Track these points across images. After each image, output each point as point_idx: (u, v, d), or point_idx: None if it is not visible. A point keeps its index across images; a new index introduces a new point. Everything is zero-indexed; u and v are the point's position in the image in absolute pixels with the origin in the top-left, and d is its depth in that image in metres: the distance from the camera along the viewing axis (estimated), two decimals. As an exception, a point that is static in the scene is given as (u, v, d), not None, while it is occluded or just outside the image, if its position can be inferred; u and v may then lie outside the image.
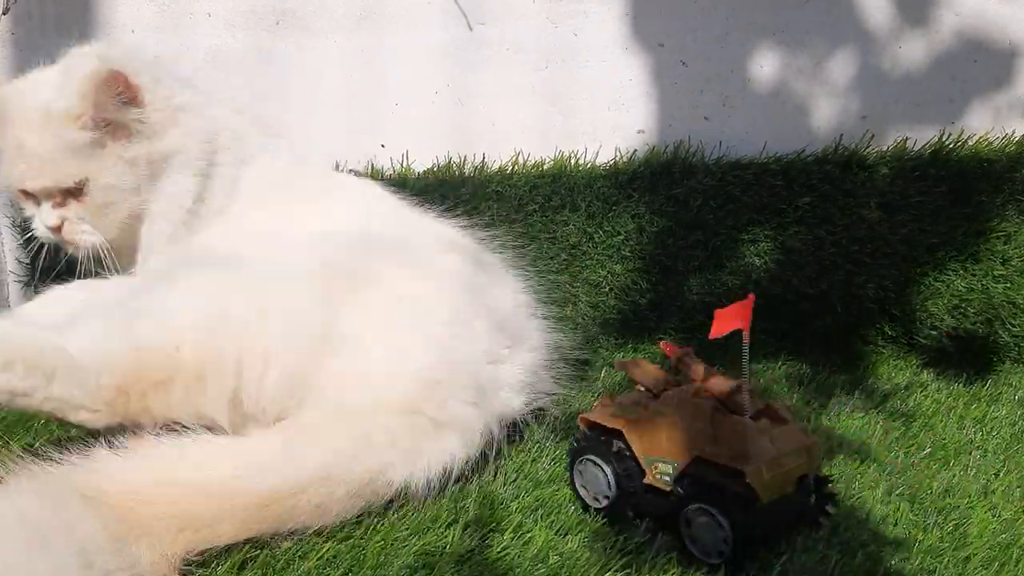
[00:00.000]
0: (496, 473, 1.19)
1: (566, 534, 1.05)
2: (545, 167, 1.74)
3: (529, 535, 1.04)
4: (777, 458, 0.93)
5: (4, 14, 1.84)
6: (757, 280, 1.73)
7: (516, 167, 1.74)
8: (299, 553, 0.97)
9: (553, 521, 1.07)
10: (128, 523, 0.83)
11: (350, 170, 1.68)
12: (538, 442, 1.31)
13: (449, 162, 1.75)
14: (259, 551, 0.95)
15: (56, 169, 1.22)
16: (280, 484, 0.95)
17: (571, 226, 1.73)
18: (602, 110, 1.76)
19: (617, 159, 1.74)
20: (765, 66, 1.75)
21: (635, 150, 1.75)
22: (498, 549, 1.01)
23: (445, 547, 1.00)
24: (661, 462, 0.98)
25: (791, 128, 1.75)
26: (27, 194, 1.27)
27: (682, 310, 1.75)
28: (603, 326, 1.74)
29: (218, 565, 0.92)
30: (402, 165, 1.77)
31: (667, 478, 0.98)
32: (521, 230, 1.73)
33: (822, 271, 1.74)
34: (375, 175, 1.78)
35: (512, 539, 1.03)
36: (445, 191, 1.73)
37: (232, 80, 1.81)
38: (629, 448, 1.02)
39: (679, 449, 0.97)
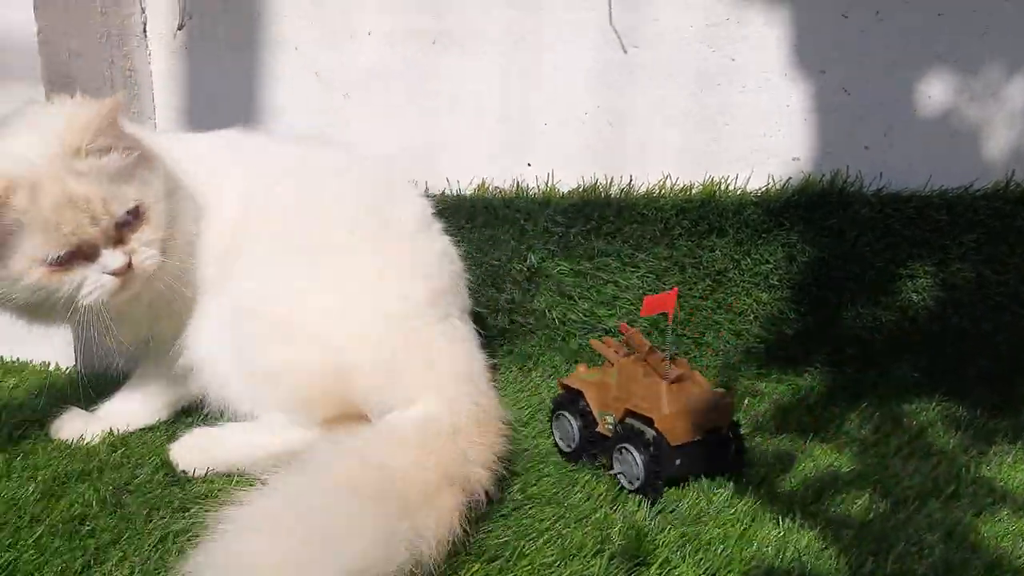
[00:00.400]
0: (640, 504, 1.18)
1: (714, 574, 1.02)
2: (693, 191, 1.71)
3: (677, 572, 1.02)
4: (685, 411, 1.21)
5: (179, 29, 1.97)
6: (914, 316, 1.65)
7: (663, 190, 1.72)
8: (448, 574, 1.00)
9: (701, 559, 1.04)
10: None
11: None
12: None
13: (595, 184, 1.75)
14: None
15: (112, 200, 1.16)
16: None
17: (717, 252, 1.69)
18: (756, 136, 1.72)
19: (770, 186, 1.70)
20: (933, 96, 1.66)
21: (789, 178, 1.70)
22: (643, 585, 0.99)
23: (593, 577, 1.00)
24: (608, 415, 1.29)
25: (958, 161, 1.66)
26: (75, 256, 1.16)
27: (831, 342, 1.69)
28: (745, 355, 1.69)
29: None
30: (547, 185, 1.79)
31: (610, 426, 1.28)
32: (665, 254, 1.71)
33: (987, 311, 1.63)
34: (520, 193, 1.80)
35: (659, 575, 1.01)
36: (590, 211, 1.73)
37: (389, 95, 1.87)
38: (588, 405, 1.32)
39: (618, 404, 1.27)
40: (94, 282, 1.17)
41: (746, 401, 1.57)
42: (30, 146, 1.14)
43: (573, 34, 1.75)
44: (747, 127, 1.71)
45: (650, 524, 1.13)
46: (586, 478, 1.27)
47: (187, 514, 1.12)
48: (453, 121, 1.85)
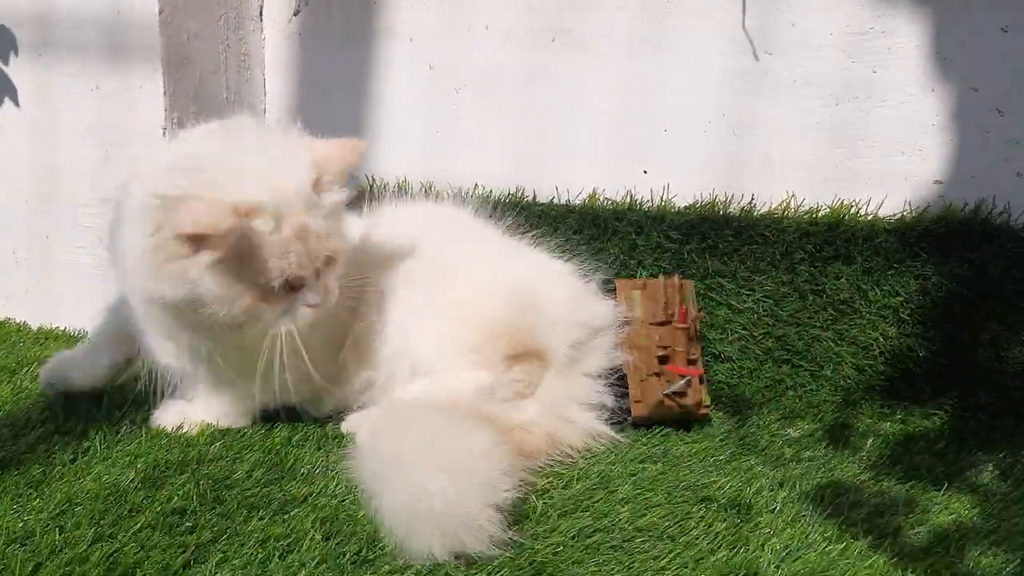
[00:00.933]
0: (763, 547, 1.09)
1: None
2: (820, 214, 1.61)
3: (809, 632, 0.93)
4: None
5: (295, 15, 1.95)
6: (1060, 364, 1.51)
7: (787, 211, 1.62)
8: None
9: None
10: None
11: None
12: (805, 515, 1.19)
13: (714, 199, 1.66)
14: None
15: (329, 237, 1.20)
16: None
17: (843, 280, 1.58)
18: (894, 155, 1.60)
19: (905, 212, 1.58)
20: (1099, 122, 1.52)
21: (928, 204, 1.58)
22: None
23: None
24: None
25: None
26: (280, 289, 1.18)
27: (963, 384, 1.56)
28: (867, 391, 1.58)
29: None
30: (662, 198, 1.70)
31: None
32: (785, 279, 1.61)
33: None
34: (632, 206, 1.72)
35: (791, 633, 0.93)
36: (706, 230, 1.64)
37: (502, 93, 1.82)
38: None
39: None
40: (294, 313, 1.20)
41: (869, 442, 1.46)
42: (282, 175, 1.16)
43: (701, 37, 1.66)
44: (885, 145, 1.59)
45: (775, 574, 1.04)
46: (700, 512, 1.18)
47: (286, 517, 1.08)
48: (567, 123, 1.78)
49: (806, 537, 1.13)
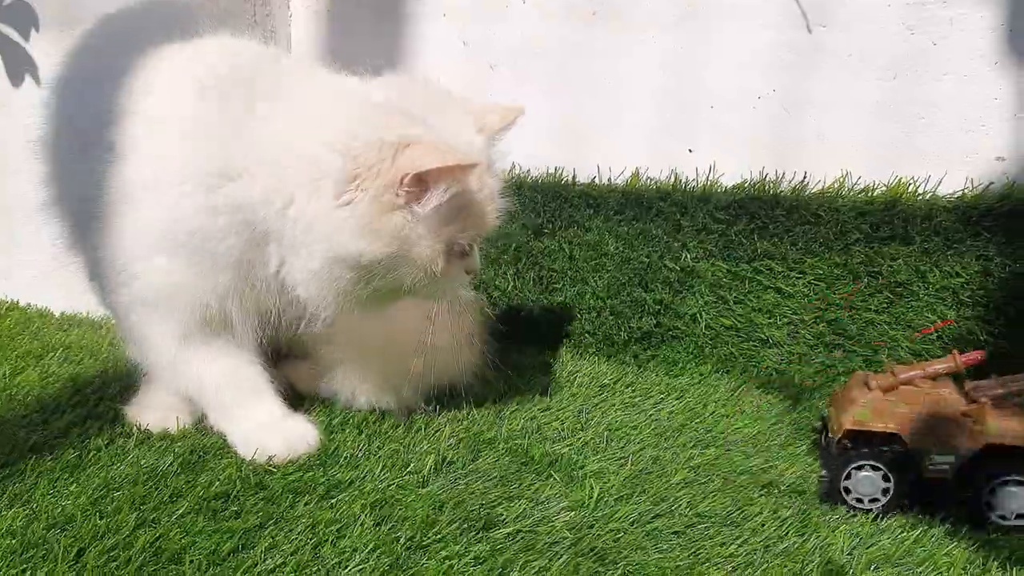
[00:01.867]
0: (834, 532, 1.04)
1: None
2: (876, 192, 1.54)
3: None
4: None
5: (324, -9, 1.90)
6: None
7: (841, 189, 1.56)
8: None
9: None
10: None
11: None
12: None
13: (763, 178, 1.60)
14: None
15: (504, 203, 1.17)
16: None
17: (900, 261, 1.52)
18: (955, 131, 1.53)
19: (966, 190, 1.52)
20: None
21: (990, 182, 1.51)
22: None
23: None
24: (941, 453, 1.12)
25: None
26: (458, 250, 1.14)
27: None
28: (926, 378, 1.52)
29: None
30: (707, 178, 1.64)
31: (939, 467, 1.13)
32: (838, 260, 1.55)
33: None
34: (677, 185, 1.66)
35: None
36: (755, 210, 1.59)
37: (540, 70, 1.76)
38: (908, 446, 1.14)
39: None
40: (465, 279, 1.17)
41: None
42: (468, 126, 1.14)
43: (750, 10, 1.60)
44: (945, 121, 1.53)
45: (851, 560, 0.98)
46: (763, 498, 1.13)
47: (333, 502, 1.03)
48: (608, 100, 1.72)
49: (877, 524, 1.07)
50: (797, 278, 1.57)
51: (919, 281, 1.52)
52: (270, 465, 1.12)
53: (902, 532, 1.06)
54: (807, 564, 0.96)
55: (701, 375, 1.60)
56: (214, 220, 1.08)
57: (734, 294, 1.61)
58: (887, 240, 1.52)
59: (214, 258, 1.10)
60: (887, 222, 1.52)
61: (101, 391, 1.34)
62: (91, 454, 1.11)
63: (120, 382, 1.37)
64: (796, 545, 1.01)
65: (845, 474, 1.14)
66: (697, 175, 1.65)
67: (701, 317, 1.63)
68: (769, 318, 1.59)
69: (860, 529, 1.06)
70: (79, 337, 1.64)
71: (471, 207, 1.10)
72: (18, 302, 1.88)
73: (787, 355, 1.58)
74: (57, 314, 1.84)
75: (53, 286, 1.84)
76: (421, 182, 1.03)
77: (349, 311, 1.13)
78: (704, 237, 1.61)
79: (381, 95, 1.13)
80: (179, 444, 1.16)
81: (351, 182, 1.03)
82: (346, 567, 0.90)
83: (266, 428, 1.19)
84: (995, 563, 0.99)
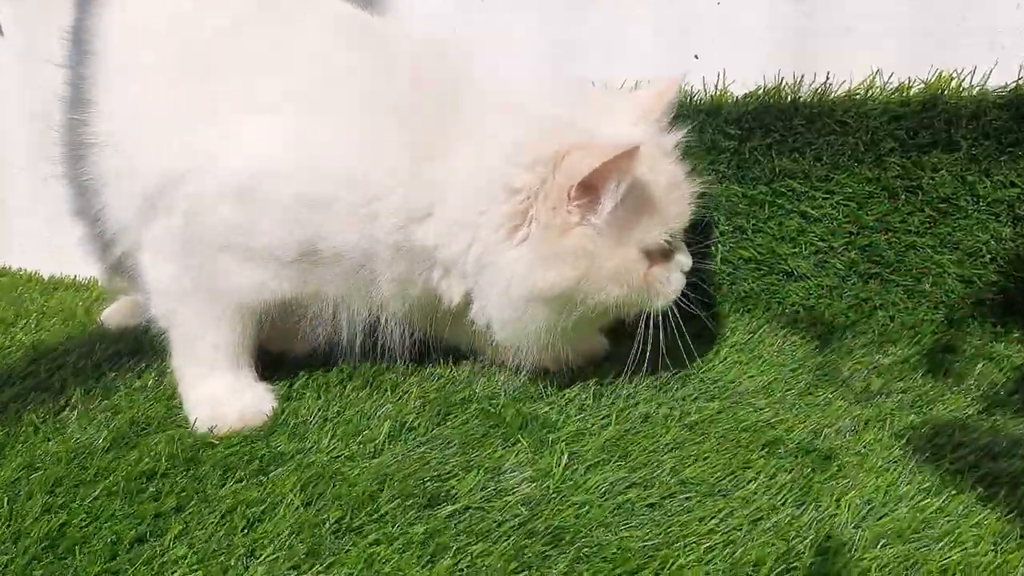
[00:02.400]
0: (838, 503, 0.88)
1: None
2: (912, 91, 1.31)
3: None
4: None
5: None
6: None
7: (872, 91, 1.34)
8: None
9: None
10: None
11: None
12: (896, 461, 0.97)
13: (780, 83, 1.39)
14: None
15: (695, 185, 1.10)
16: None
17: (943, 172, 1.30)
18: (1007, 9, 1.28)
19: (1021, 81, 1.27)
20: None
21: (1052, 70, 1.27)
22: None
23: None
24: None
25: None
26: (657, 250, 1.06)
27: (1097, 295, 1.27)
28: (977, 307, 1.31)
29: None
30: (716, 88, 1.44)
31: None
32: (871, 175, 1.34)
33: None
34: (681, 101, 1.46)
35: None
36: (771, 121, 1.38)
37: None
38: None
39: None
40: (676, 282, 1.08)
41: (979, 367, 1.21)
42: (628, 118, 1.06)
43: None
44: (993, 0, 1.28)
45: (854, 535, 0.82)
46: (762, 460, 0.97)
47: (266, 479, 0.93)
48: (603, 12, 1.52)
49: (895, 489, 0.91)
50: (824, 199, 1.37)
51: (967, 194, 1.29)
52: (212, 438, 1.03)
53: (924, 499, 0.89)
54: (799, 542, 0.81)
55: (716, 317, 1.43)
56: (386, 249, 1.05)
57: (752, 222, 1.42)
58: (927, 148, 1.30)
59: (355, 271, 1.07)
60: (927, 126, 1.29)
61: (60, 359, 1.27)
62: (23, 430, 1.04)
63: (81, 350, 1.30)
64: (789, 518, 0.85)
65: None
66: (704, 85, 1.44)
67: (716, 250, 1.45)
68: (793, 247, 1.40)
69: (874, 496, 0.90)
70: (59, 302, 1.58)
71: (653, 200, 1.01)
72: (10, 267, 1.84)
73: (815, 289, 1.39)
74: (45, 277, 1.79)
75: (44, 248, 1.80)
76: (588, 189, 0.97)
77: (557, 346, 1.07)
78: (715, 157, 1.42)
79: (539, 104, 1.05)
80: (120, 416, 1.07)
81: (523, 215, 0.99)
82: (257, 557, 0.80)
83: (222, 398, 1.10)
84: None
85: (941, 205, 1.30)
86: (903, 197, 1.32)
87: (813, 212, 1.38)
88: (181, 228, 1.05)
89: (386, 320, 1.14)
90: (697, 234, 1.26)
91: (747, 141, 1.39)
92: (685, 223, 1.07)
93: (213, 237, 1.04)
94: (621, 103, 1.10)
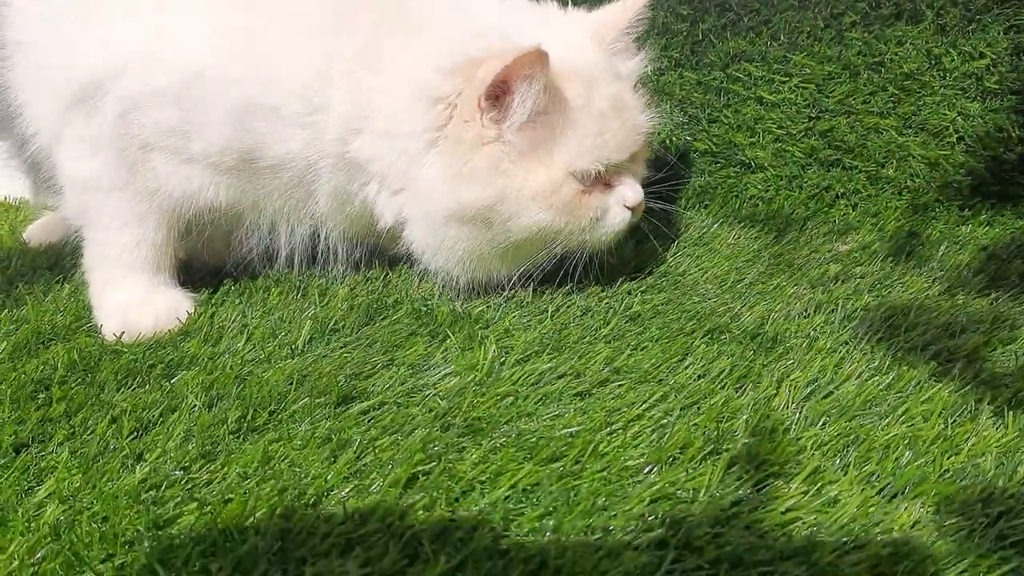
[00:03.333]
0: (779, 384, 0.82)
1: (892, 497, 0.66)
2: (876, -43, 1.22)
3: (833, 490, 0.66)
4: None
5: None
6: None
7: (831, -41, 1.24)
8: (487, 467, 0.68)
9: (872, 472, 0.68)
10: None
11: None
12: (847, 343, 0.90)
13: (733, -43, 1.28)
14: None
15: (644, 115, 1.01)
16: None
17: (908, 46, 1.21)
18: None
19: (993, -59, 1.17)
20: None
21: (1025, -75, 1.17)
22: (781, 508, 0.64)
23: (697, 493, 0.66)
24: None
25: None
26: (597, 180, 0.98)
27: (1071, 174, 1.19)
28: (942, 191, 1.23)
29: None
30: (669, -35, 1.33)
31: None
32: (831, 53, 1.25)
33: None
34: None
35: (805, 493, 0.66)
36: (725, -1, 1.28)
37: None
38: None
39: None
40: (616, 216, 0.99)
41: (941, 250, 1.14)
42: (573, 36, 0.98)
43: None
44: None
45: (793, 416, 0.76)
46: (703, 347, 0.91)
47: (168, 384, 0.86)
48: None
49: (841, 368, 0.85)
50: (782, 82, 1.28)
51: (933, 69, 1.21)
52: (119, 345, 0.96)
53: (873, 377, 0.83)
54: (732, 423, 0.75)
55: (671, 212, 1.35)
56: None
57: (707, 111, 1.33)
58: (891, 20, 1.21)
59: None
60: (890, -3, 1.20)
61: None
62: (-85, 345, 0.97)
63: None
64: (724, 400, 0.79)
65: None
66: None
67: (670, 142, 1.36)
68: (751, 136, 1.32)
69: (819, 376, 0.83)
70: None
71: (583, 122, 0.93)
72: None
73: (774, 180, 1.31)
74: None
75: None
76: (497, 99, 0.90)
77: (494, 273, 1.01)
78: (667, 42, 1.32)
79: (480, 16, 0.98)
80: (26, 327, 1.00)
81: (442, 128, 0.92)
82: (144, 459, 0.73)
83: (137, 301, 1.03)
84: (988, 407, 0.76)
85: (905, 83, 1.22)
86: (865, 76, 1.23)
87: (770, 97, 1.29)
88: (111, 127, 0.97)
89: (326, 235, 1.07)
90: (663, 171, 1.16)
91: (700, 24, 1.30)
92: (625, 155, 0.98)
93: (146, 138, 0.97)
94: (575, 19, 1.02)
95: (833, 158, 1.27)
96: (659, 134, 1.18)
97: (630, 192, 0.99)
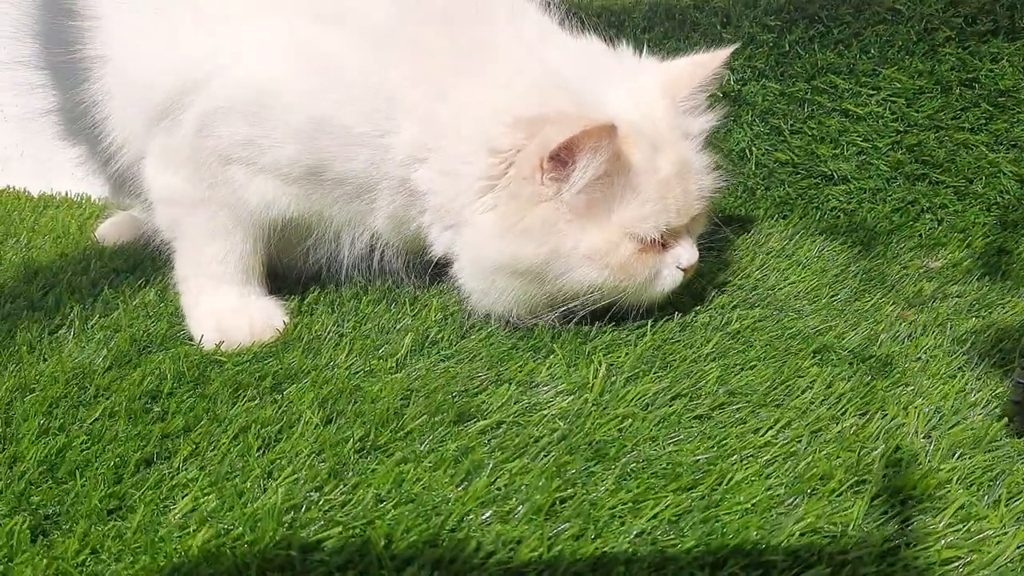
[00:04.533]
0: (906, 409, 0.81)
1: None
2: (973, -31, 1.20)
3: (986, 528, 0.65)
4: None
5: None
6: None
7: (927, -28, 1.22)
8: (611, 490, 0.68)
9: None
10: None
11: None
12: (961, 368, 0.89)
13: (825, -33, 1.27)
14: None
15: (709, 179, 0.99)
16: None
17: (1004, 62, 1.19)
18: None
19: (1096, -43, 1.16)
20: None
21: None
22: (938, 547, 0.63)
23: (845, 528, 0.65)
24: None
25: None
26: (661, 239, 0.96)
27: None
28: (1034, 209, 1.22)
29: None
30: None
31: None
32: (922, 67, 1.23)
33: None
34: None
35: (957, 531, 0.65)
36: (815, 11, 1.27)
37: None
38: None
39: None
40: (669, 277, 0.98)
41: (1037, 271, 1.13)
42: (644, 90, 0.95)
43: None
44: None
45: (926, 446, 0.76)
46: (815, 368, 0.90)
47: (280, 397, 0.86)
48: None
49: (965, 396, 0.84)
50: (869, 95, 1.27)
51: (1029, 86, 1.20)
52: (220, 355, 0.96)
53: (998, 406, 0.82)
54: (868, 453, 0.74)
55: (751, 223, 1.34)
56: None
57: (790, 122, 1.32)
58: (986, 36, 1.19)
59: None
60: (987, 11, 1.19)
61: (53, 278, 1.19)
62: (16, 351, 0.97)
63: (75, 268, 1.22)
64: (854, 429, 0.78)
65: None
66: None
67: (751, 153, 1.35)
68: (834, 148, 1.31)
69: (942, 404, 0.83)
70: (50, 219, 1.49)
71: (645, 186, 0.91)
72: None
73: (856, 192, 1.30)
74: (35, 195, 1.70)
75: (33, 165, 1.71)
76: (562, 162, 0.88)
77: (542, 318, 1.00)
78: (752, 52, 1.31)
79: (551, 59, 0.95)
80: (120, 334, 1.00)
81: (499, 179, 0.90)
82: (275, 478, 0.73)
83: (230, 311, 1.02)
84: None
85: (999, 99, 1.20)
86: (957, 92, 1.22)
87: (857, 110, 1.27)
88: (191, 139, 0.97)
89: (382, 249, 1.07)
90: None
91: (788, 34, 1.28)
92: (686, 220, 0.96)
93: (223, 150, 0.97)
94: (648, 71, 0.99)
95: (920, 172, 1.26)
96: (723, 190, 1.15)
97: (685, 255, 0.98)
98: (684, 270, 0.98)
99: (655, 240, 0.94)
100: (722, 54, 0.98)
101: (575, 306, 0.96)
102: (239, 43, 0.94)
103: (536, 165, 0.88)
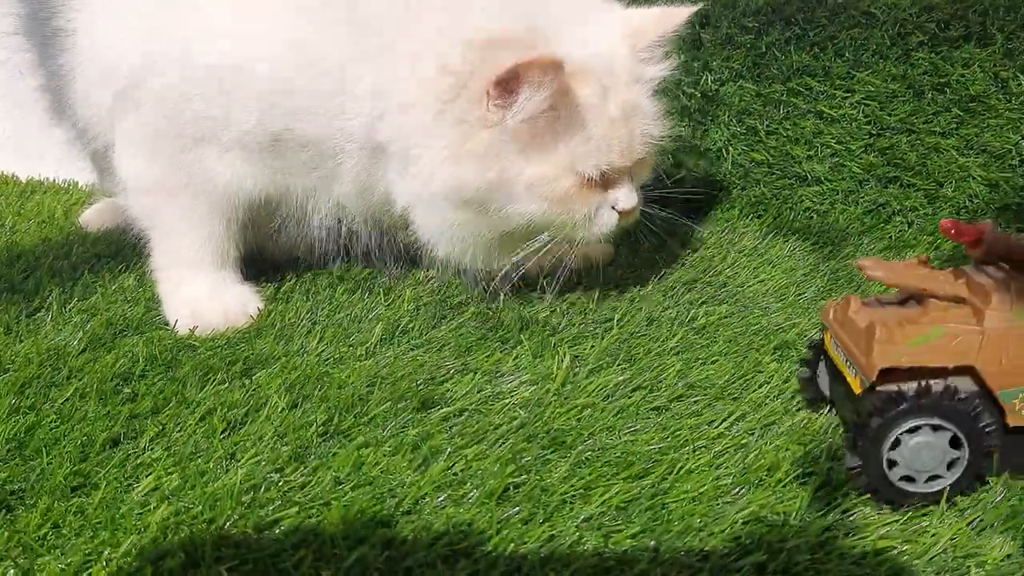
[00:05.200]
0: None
1: (982, 531, 0.67)
2: (947, -22, 1.22)
3: (924, 521, 0.67)
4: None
5: None
6: None
7: (903, -22, 1.24)
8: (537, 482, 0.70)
9: (968, 508, 0.69)
10: None
11: None
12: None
13: (803, -29, 1.29)
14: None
15: (656, 123, 1.01)
16: None
17: (975, 68, 1.21)
18: None
19: (1067, -35, 1.18)
20: None
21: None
22: (873, 536, 0.65)
23: (787, 517, 0.67)
24: None
25: None
26: (601, 178, 0.97)
27: None
28: (1002, 212, 1.24)
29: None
30: (732, -23, 1.34)
31: None
32: (896, 71, 1.25)
33: None
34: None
35: (895, 522, 0.67)
36: (792, 13, 1.29)
37: None
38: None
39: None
40: (604, 217, 0.99)
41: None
42: (603, 38, 0.98)
43: None
44: None
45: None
46: (772, 364, 0.92)
47: (249, 382, 0.88)
48: None
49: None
50: (843, 98, 1.29)
51: (999, 92, 1.21)
52: (193, 339, 0.98)
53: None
54: (816, 446, 0.76)
55: (726, 221, 1.36)
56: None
57: (766, 123, 1.34)
58: (959, 41, 1.21)
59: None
60: (960, 17, 1.20)
61: (35, 262, 1.20)
62: (-10, 333, 0.99)
63: (57, 252, 1.24)
64: (805, 422, 0.81)
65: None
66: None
67: (727, 152, 1.37)
68: (808, 149, 1.32)
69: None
70: (36, 204, 1.51)
71: (592, 124, 0.94)
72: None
73: (829, 193, 1.32)
74: (23, 179, 1.72)
75: (18, 150, 1.72)
76: (508, 89, 0.90)
77: (495, 263, 1.02)
78: (730, 53, 1.33)
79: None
80: (97, 318, 1.02)
81: (461, 88, 0.92)
82: (237, 460, 0.75)
83: (205, 297, 1.04)
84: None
85: (970, 104, 1.22)
86: (929, 96, 1.24)
87: (831, 112, 1.29)
88: (152, 120, 0.99)
89: (349, 224, 1.10)
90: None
91: (764, 36, 1.30)
92: (629, 162, 0.97)
93: (185, 129, 0.98)
94: (614, 16, 1.01)
95: (891, 175, 1.28)
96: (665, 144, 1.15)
97: (623, 198, 0.99)
98: (621, 213, 0.99)
99: (596, 179, 0.95)
100: (688, 10, 1.01)
101: (519, 256, 0.99)
102: (199, 19, 0.96)
103: (484, 89, 0.90)
